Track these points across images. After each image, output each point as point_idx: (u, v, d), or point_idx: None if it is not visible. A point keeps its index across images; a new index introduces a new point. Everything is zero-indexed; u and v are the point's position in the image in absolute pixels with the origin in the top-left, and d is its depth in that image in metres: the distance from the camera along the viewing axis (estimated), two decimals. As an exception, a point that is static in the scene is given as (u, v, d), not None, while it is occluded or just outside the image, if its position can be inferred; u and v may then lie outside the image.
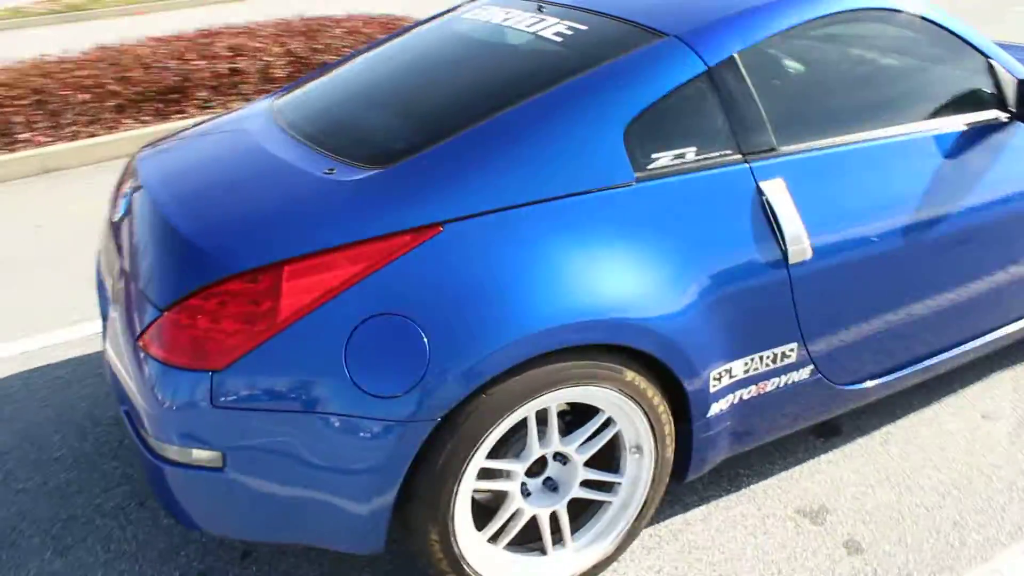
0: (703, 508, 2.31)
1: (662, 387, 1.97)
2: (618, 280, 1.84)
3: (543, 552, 2.01)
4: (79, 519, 2.33)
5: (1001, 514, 2.25)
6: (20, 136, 5.54)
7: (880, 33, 2.39)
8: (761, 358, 2.10)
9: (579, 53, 2.13)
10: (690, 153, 1.99)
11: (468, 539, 1.88)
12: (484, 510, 1.98)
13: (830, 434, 2.60)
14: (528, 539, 2.02)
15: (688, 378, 1.97)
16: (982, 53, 2.43)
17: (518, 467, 1.92)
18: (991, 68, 2.43)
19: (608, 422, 1.98)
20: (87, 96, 5.77)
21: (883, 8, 2.30)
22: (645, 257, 1.89)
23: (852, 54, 2.37)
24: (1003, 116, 2.41)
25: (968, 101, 2.39)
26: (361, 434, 1.70)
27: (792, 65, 2.27)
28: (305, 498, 1.76)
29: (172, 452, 1.78)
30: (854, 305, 2.21)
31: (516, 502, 1.94)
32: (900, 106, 2.33)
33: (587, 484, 2.05)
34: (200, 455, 1.75)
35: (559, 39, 2.24)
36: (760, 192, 2.02)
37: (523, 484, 1.99)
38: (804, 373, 2.21)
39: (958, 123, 2.35)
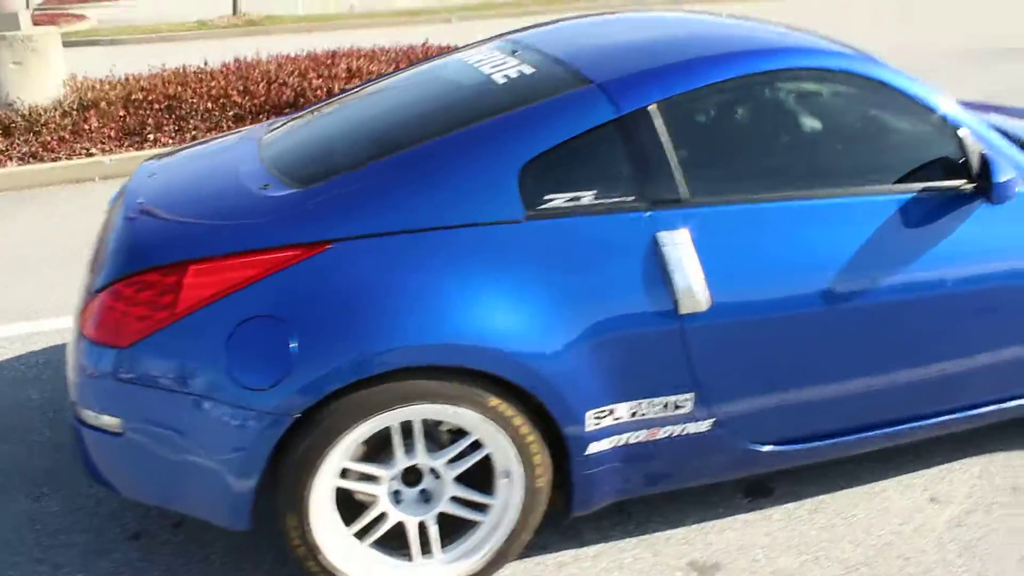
0: (599, 546, 2.35)
1: (535, 419, 2.07)
2: (489, 310, 1.96)
3: (410, 558, 2.14)
4: (56, 471, 2.71)
5: (900, 601, 2.15)
6: (149, 136, 6.27)
7: (830, 93, 2.36)
8: (650, 404, 2.14)
9: (511, 95, 2.27)
10: (587, 197, 2.08)
11: (327, 532, 2.04)
12: (361, 507, 2.15)
13: (758, 494, 2.55)
14: (402, 544, 2.16)
15: (561, 413, 2.04)
16: (945, 119, 2.35)
17: (383, 473, 2.07)
18: (955, 135, 2.34)
19: (477, 444, 2.09)
20: (211, 105, 6.45)
21: (826, 68, 2.29)
22: (522, 292, 2.00)
23: (792, 113, 2.36)
24: (966, 187, 2.32)
25: (918, 168, 2.32)
26: (231, 420, 1.91)
27: (726, 119, 2.30)
28: (184, 471, 2.00)
29: (87, 416, 2.07)
30: (766, 366, 2.20)
31: (382, 506, 2.09)
32: (833, 168, 2.30)
33: (461, 501, 2.17)
34: (106, 420, 2.03)
35: (503, 81, 2.38)
36: (656, 241, 2.09)
37: (397, 491, 2.14)
38: (703, 426, 2.22)
39: (903, 189, 2.29)
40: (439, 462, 2.09)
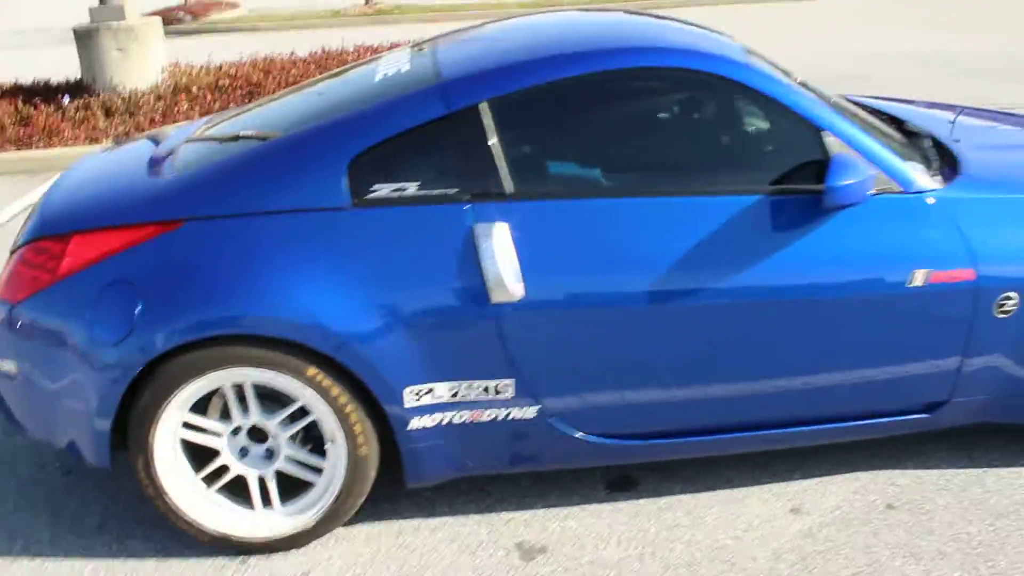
0: (443, 519, 2.53)
1: (356, 391, 2.28)
2: (310, 288, 2.19)
3: (252, 507, 2.42)
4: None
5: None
6: (229, 120, 6.90)
7: (679, 93, 2.40)
8: (470, 387, 2.30)
9: (373, 92, 2.48)
10: (412, 188, 2.26)
11: (173, 476, 2.34)
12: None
13: (620, 486, 2.63)
14: (249, 493, 2.44)
15: (378, 388, 2.25)
16: (808, 121, 2.33)
17: (220, 428, 2.35)
18: (818, 138, 2.32)
19: (305, 410, 2.33)
20: (288, 91, 6.99)
21: (677, 68, 2.34)
22: (344, 273, 2.21)
23: (633, 112, 2.41)
24: (816, 190, 2.29)
25: (770, 171, 2.32)
26: (89, 369, 2.26)
27: (563, 117, 2.39)
28: (60, 411, 2.37)
29: (-1, 363, 2.50)
30: (589, 359, 2.30)
31: (224, 458, 2.38)
32: (668, 168, 2.35)
33: (302, 463, 2.41)
34: (5, 365, 2.44)
35: (379, 79, 2.59)
36: (473, 232, 2.23)
37: (245, 447, 2.41)
38: (529, 413, 2.35)
39: (748, 191, 2.30)
40: (272, 423, 2.35)
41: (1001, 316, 2.40)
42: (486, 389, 2.31)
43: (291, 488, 2.43)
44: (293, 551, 2.42)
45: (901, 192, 2.35)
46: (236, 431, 2.37)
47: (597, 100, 2.39)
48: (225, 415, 2.36)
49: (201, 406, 2.35)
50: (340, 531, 2.49)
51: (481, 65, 2.39)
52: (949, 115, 3.19)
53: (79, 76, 7.16)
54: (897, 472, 2.64)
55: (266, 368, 2.23)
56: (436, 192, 2.27)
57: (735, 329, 2.31)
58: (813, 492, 2.57)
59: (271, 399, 2.36)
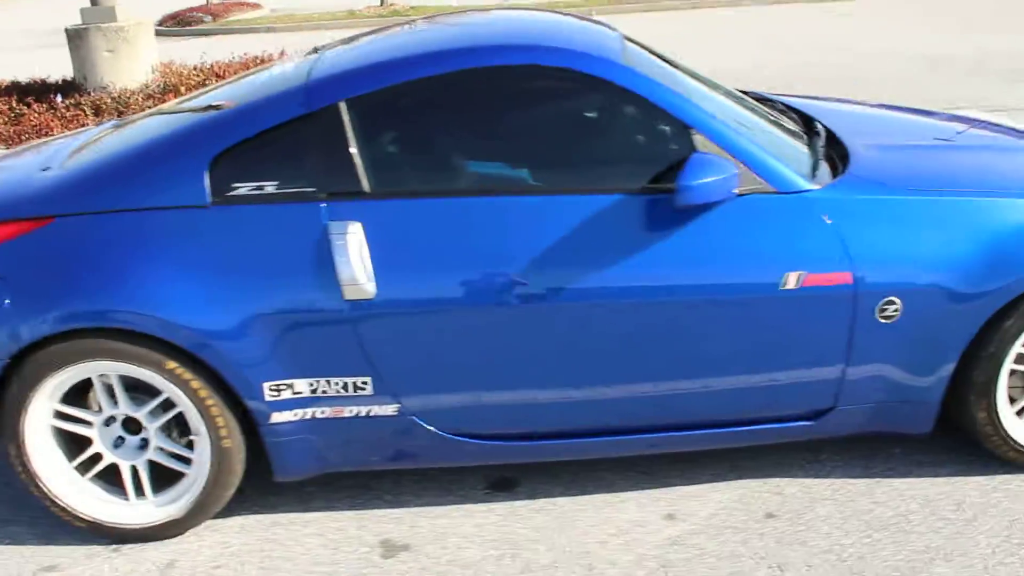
0: (318, 514, 2.57)
1: (217, 385, 2.33)
2: (169, 283, 2.26)
3: (126, 497, 2.49)
4: None
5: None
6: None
7: (548, 92, 2.41)
8: (330, 383, 2.34)
9: (252, 92, 2.54)
10: (271, 186, 2.31)
11: (46, 463, 2.41)
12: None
13: (500, 487, 2.65)
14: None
15: (237, 382, 2.30)
16: (677, 120, 2.34)
17: (92, 418, 2.42)
18: (687, 136, 2.32)
19: (169, 402, 2.40)
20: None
21: (542, 66, 2.35)
22: (203, 269, 2.27)
23: (497, 111, 2.42)
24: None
25: (634, 169, 2.32)
26: (-35, 356, 2.36)
27: (425, 115, 2.42)
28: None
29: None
30: (446, 358, 2.33)
31: (96, 447, 2.45)
32: (529, 167, 2.37)
33: (170, 453, 2.48)
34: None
35: (262, 80, 2.64)
36: (327, 231, 2.28)
37: (122, 436, 2.48)
38: (389, 410, 2.38)
39: (610, 190, 2.30)
40: (140, 413, 2.41)
41: (884, 321, 2.37)
42: (345, 386, 2.35)
43: (169, 479, 2.51)
44: (166, 540, 2.50)
45: (774, 192, 2.35)
46: (110, 421, 2.46)
47: (454, 100, 2.41)
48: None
49: (79, 396, 2.44)
50: (217, 522, 2.55)
51: (345, 66, 2.44)
52: (890, 117, 3.18)
53: (72, 76, 7.40)
54: (787, 480, 2.61)
55: (127, 362, 2.30)
56: (294, 190, 2.31)
57: (597, 330, 2.31)
58: (693, 499, 2.56)
59: (146, 391, 2.44)
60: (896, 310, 2.36)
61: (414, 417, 2.40)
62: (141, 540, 2.48)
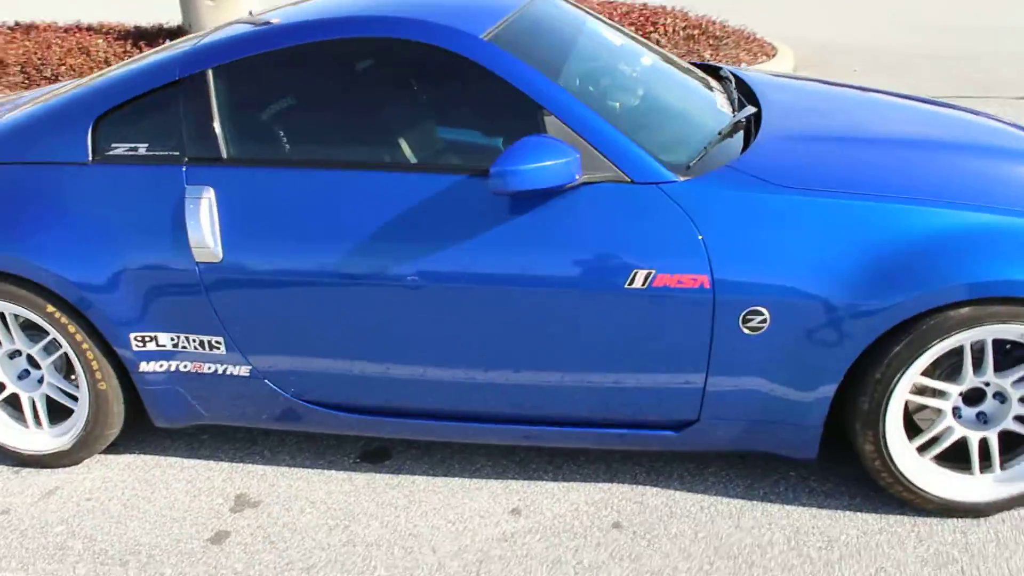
0: (194, 461, 2.74)
1: (93, 331, 2.53)
2: (49, 234, 2.46)
3: (26, 425, 2.77)
4: None
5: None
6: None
7: (409, 66, 2.35)
8: (188, 339, 2.49)
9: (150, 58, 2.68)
10: (143, 148, 2.45)
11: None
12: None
13: (371, 459, 2.72)
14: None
15: (105, 329, 2.49)
16: (535, 104, 2.24)
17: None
18: (538, 117, 2.23)
19: (56, 343, 2.63)
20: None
21: (407, 40, 2.32)
22: (80, 223, 2.46)
23: (361, 84, 2.38)
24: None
25: (484, 149, 2.26)
26: None
27: (285, 85, 2.43)
28: None
29: None
30: (290, 325, 2.40)
31: (0, 376, 2.74)
32: (382, 142, 2.36)
33: (61, 389, 2.72)
34: None
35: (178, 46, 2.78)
36: (184, 194, 2.39)
37: (26, 369, 2.75)
38: (242, 371, 2.50)
39: (459, 170, 2.27)
40: (33, 350, 2.65)
41: (749, 332, 2.21)
42: (201, 343, 2.49)
43: (65, 414, 2.77)
44: (60, 469, 2.78)
45: (628, 181, 2.22)
46: (14, 355, 2.74)
47: (311, 72, 2.42)
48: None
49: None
50: (110, 458, 2.79)
51: (223, 34, 2.52)
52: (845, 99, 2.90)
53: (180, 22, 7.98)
54: (656, 490, 2.51)
55: (15, 303, 2.54)
56: (161, 153, 2.43)
57: (435, 311, 2.30)
58: (550, 496, 2.52)
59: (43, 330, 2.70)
60: (763, 321, 2.19)
61: (266, 380, 2.51)
62: (38, 466, 2.77)
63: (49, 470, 2.77)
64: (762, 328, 2.20)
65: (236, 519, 2.51)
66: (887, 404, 2.23)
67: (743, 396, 2.30)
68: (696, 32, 6.77)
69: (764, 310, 2.18)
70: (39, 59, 7.80)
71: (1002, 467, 2.34)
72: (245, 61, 2.42)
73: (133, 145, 2.47)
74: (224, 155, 2.41)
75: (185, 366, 2.54)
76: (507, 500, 2.52)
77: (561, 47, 2.56)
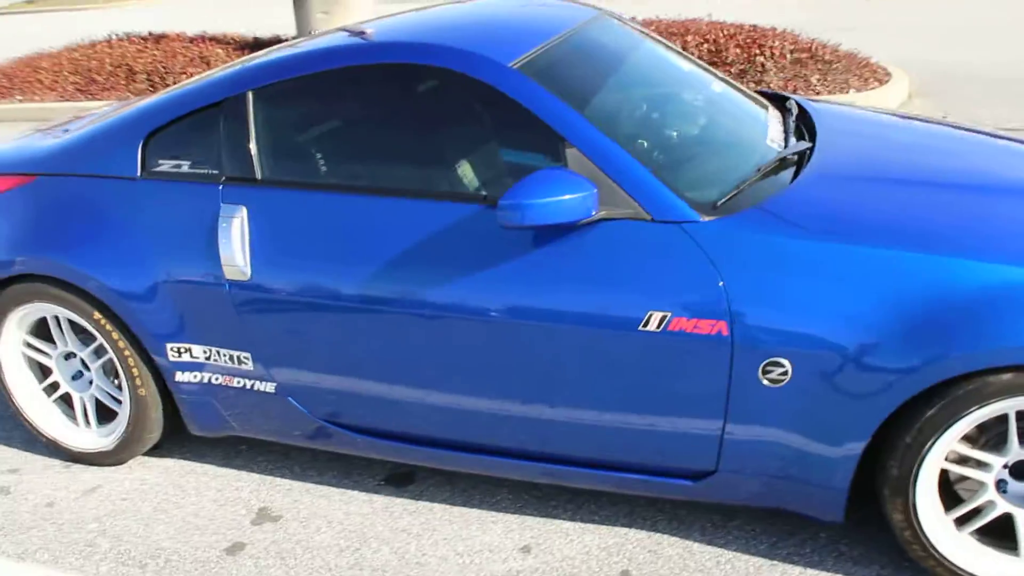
0: (226, 471, 2.84)
1: (134, 339, 2.66)
2: (98, 243, 2.61)
3: (76, 423, 2.93)
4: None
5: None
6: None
7: (438, 95, 2.35)
8: (219, 353, 2.58)
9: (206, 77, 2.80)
10: (186, 165, 2.56)
11: (17, 385, 2.91)
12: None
13: (395, 482, 2.74)
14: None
15: (144, 338, 2.62)
16: (557, 135, 2.22)
17: (50, 350, 2.87)
18: (559, 150, 2.21)
19: (103, 348, 2.77)
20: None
21: (437, 67, 2.35)
22: (127, 235, 2.60)
23: (388, 110, 2.40)
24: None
25: (505, 180, 2.23)
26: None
27: (318, 109, 2.49)
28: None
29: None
30: (314, 346, 2.46)
31: (55, 376, 2.90)
32: (412, 170, 2.37)
33: (108, 392, 2.86)
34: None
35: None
36: (219, 213, 2.48)
37: (80, 371, 2.91)
38: (268, 387, 2.57)
39: (480, 199, 2.29)
40: (84, 353, 2.82)
41: (769, 384, 2.10)
42: (231, 358, 2.58)
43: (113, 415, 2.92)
44: (105, 468, 2.93)
45: (648, 219, 2.16)
46: (69, 356, 2.91)
47: (340, 96, 2.47)
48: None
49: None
50: (152, 460, 2.93)
51: (266, 58, 2.61)
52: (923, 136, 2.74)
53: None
54: (674, 540, 2.41)
55: (67, 308, 2.71)
56: (201, 171, 2.54)
57: (448, 341, 2.30)
58: (563, 536, 2.46)
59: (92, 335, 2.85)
60: (784, 373, 2.09)
61: (289, 398, 2.57)
62: (85, 463, 2.94)
63: (95, 468, 2.93)
64: (783, 380, 2.09)
65: (254, 532, 2.57)
66: (918, 471, 2.08)
67: (763, 449, 2.19)
68: (804, 56, 6.54)
69: (786, 362, 2.08)
70: (163, 68, 8.31)
71: (1051, 548, 2.15)
72: (281, 84, 2.50)
73: (178, 163, 2.59)
74: (258, 176, 2.50)
75: (216, 379, 2.64)
76: (520, 536, 2.49)
77: (602, 75, 2.52)
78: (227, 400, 2.67)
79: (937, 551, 2.15)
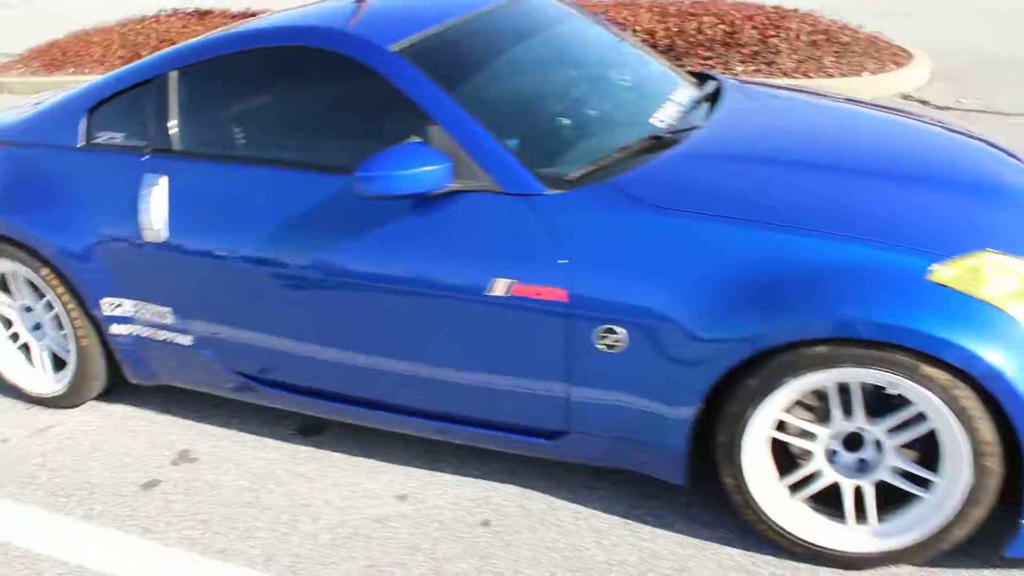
0: (160, 416, 3.11)
1: (75, 293, 2.94)
2: (44, 205, 2.91)
3: (33, 366, 3.24)
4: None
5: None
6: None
7: (335, 74, 2.53)
8: (145, 307, 2.84)
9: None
10: (120, 137, 2.83)
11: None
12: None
13: (305, 432, 2.97)
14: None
15: (84, 293, 2.91)
16: (424, 112, 2.39)
17: (10, 303, 3.18)
18: (422, 124, 2.38)
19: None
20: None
21: (326, 50, 2.55)
22: (70, 198, 2.89)
23: (291, 88, 2.63)
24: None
25: (365, 153, 2.40)
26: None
27: (233, 87, 2.72)
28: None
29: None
30: (223, 304, 2.70)
31: (16, 328, 3.22)
32: (308, 144, 2.57)
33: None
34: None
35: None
36: (142, 181, 2.73)
37: (39, 322, 3.22)
38: (186, 340, 2.82)
39: (340, 171, 2.48)
40: (55, 310, 3.14)
41: (605, 350, 2.24)
42: (155, 312, 2.84)
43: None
44: (62, 410, 3.23)
45: (500, 192, 2.31)
46: (29, 309, 3.21)
47: (244, 77, 2.70)
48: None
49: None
50: (100, 406, 3.22)
51: (194, 40, 2.85)
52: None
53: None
54: (543, 496, 2.57)
55: (20, 264, 3.01)
56: (132, 143, 2.82)
57: (324, 301, 2.51)
58: (441, 487, 2.65)
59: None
60: (618, 340, 2.22)
61: (205, 351, 2.81)
62: (45, 406, 3.24)
63: (52, 410, 3.24)
64: (619, 347, 2.23)
65: (171, 471, 2.84)
66: (743, 438, 2.19)
67: (606, 412, 2.33)
68: (821, 38, 6.47)
69: (620, 329, 2.21)
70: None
71: (879, 520, 2.22)
72: (198, 65, 2.74)
73: (113, 135, 2.85)
74: (176, 148, 2.74)
75: (144, 331, 2.90)
76: (401, 486, 2.68)
77: (492, 57, 2.67)
78: (154, 351, 2.93)
79: (767, 516, 2.25)
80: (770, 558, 2.30)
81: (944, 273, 2.04)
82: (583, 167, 2.39)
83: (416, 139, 2.43)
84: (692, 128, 2.62)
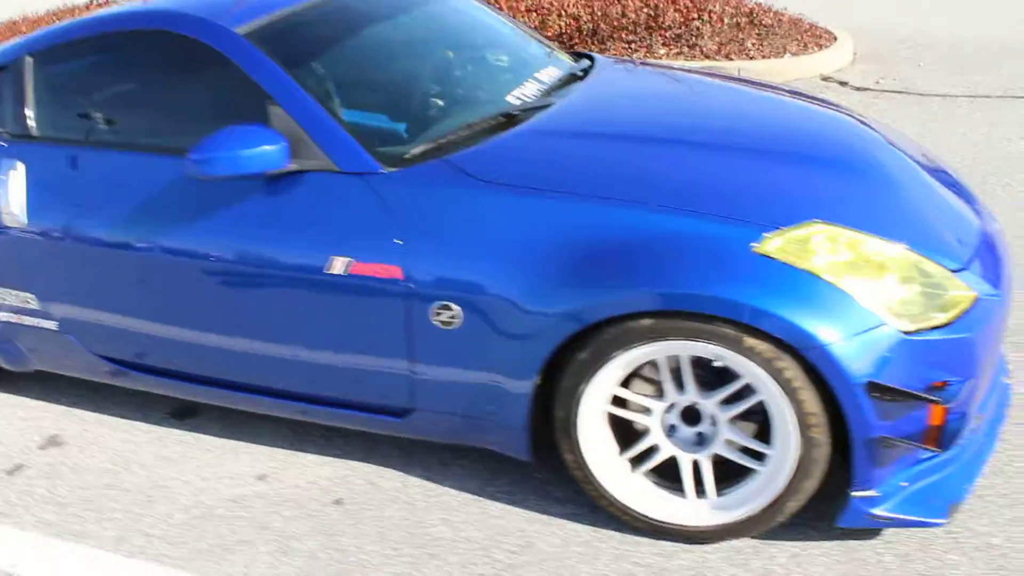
0: (34, 402, 3.05)
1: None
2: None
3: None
4: None
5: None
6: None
7: (185, 57, 2.50)
8: (10, 293, 2.79)
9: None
10: None
11: None
12: None
13: (178, 416, 2.93)
14: None
15: None
16: (267, 92, 2.36)
17: None
18: (265, 106, 2.34)
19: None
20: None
21: (159, 29, 2.50)
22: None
23: (146, 72, 2.60)
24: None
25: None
26: None
27: (90, 72, 2.69)
28: None
29: None
30: (84, 289, 2.65)
31: None
32: (160, 128, 2.54)
33: None
34: None
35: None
36: (1, 165, 2.68)
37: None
38: (51, 325, 2.76)
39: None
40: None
41: (442, 327, 2.21)
42: (17, 299, 2.78)
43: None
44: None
45: (336, 170, 2.27)
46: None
47: (97, 61, 2.68)
48: None
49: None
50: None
51: (49, 27, 2.80)
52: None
53: None
54: (397, 474, 2.56)
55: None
56: (-2, 130, 2.78)
57: (178, 284, 2.48)
58: (301, 467, 2.63)
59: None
60: (453, 316, 2.19)
61: (69, 335, 2.76)
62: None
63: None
64: (454, 323, 2.20)
65: (38, 455, 2.79)
66: (578, 413, 2.17)
67: (449, 388, 2.31)
68: (744, 20, 6.45)
69: (455, 306, 2.18)
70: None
71: (718, 493, 2.22)
72: (53, 50, 2.69)
73: None
74: (34, 133, 2.69)
75: (12, 317, 2.84)
76: (263, 466, 2.65)
77: (347, 39, 2.64)
78: (23, 337, 2.87)
79: (607, 491, 2.25)
80: (615, 533, 2.30)
81: (770, 244, 2.03)
82: (424, 145, 2.35)
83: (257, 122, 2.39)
84: (545, 106, 2.58)
